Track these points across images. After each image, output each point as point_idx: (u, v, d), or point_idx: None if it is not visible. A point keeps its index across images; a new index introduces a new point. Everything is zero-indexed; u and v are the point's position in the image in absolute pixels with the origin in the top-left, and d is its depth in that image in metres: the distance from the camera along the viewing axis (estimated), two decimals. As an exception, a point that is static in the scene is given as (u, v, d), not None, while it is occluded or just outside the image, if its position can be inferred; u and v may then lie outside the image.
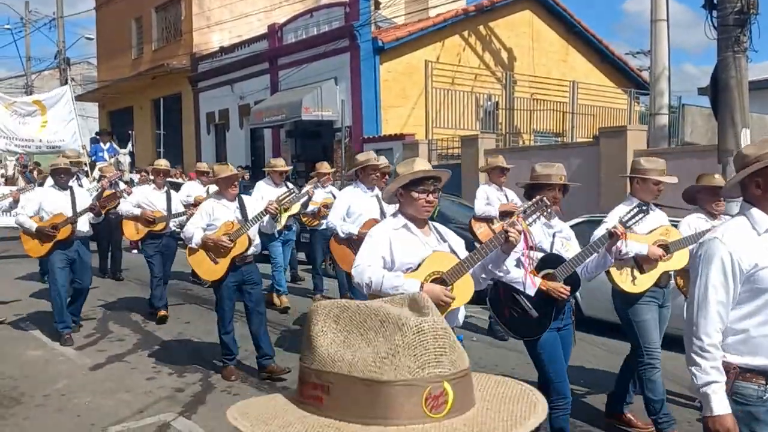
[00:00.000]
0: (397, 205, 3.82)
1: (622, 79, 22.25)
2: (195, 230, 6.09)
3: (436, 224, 3.84)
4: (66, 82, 23.42)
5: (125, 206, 8.45)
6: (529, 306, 4.16)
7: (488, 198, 7.79)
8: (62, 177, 7.55)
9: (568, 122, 18.85)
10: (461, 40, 19.19)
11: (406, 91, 18.41)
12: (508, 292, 4.21)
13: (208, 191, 9.64)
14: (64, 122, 14.13)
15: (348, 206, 6.55)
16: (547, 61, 20.59)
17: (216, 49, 23.79)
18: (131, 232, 8.55)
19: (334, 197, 8.75)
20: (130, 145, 14.75)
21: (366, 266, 3.51)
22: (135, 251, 13.38)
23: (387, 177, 6.70)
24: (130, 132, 22.54)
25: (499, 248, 3.51)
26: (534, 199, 3.84)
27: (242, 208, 6.19)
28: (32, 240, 7.47)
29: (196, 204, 9.05)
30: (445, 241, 3.72)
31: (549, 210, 3.93)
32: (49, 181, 8.71)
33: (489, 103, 18.59)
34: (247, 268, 6.15)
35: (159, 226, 8.31)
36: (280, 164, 9.33)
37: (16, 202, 8.39)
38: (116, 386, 5.93)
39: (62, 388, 5.91)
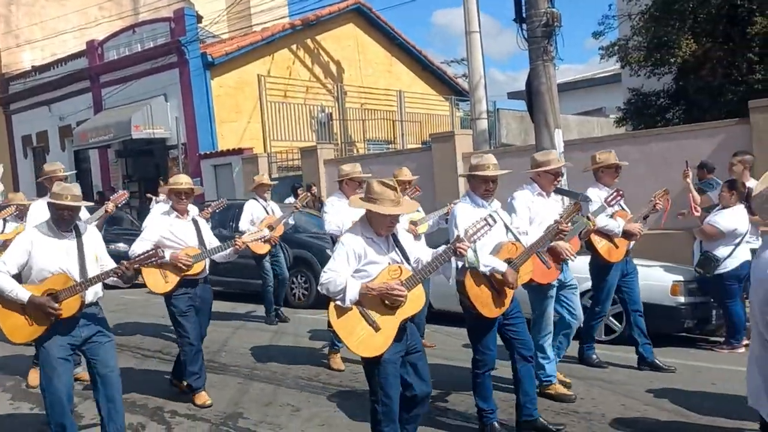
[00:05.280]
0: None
1: (442, 87, 23.67)
2: (343, 279, 3.99)
3: None
4: None
5: (140, 247, 5.64)
6: None
7: None
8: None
9: (398, 130, 19.83)
10: (290, 53, 19.57)
11: (239, 106, 18.48)
12: None
13: (268, 210, 9.06)
14: None
15: None
16: (374, 71, 21.49)
17: (28, 68, 22.44)
18: (157, 281, 5.91)
19: (417, 210, 6.87)
20: None
21: None
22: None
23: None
24: None
25: None
26: None
27: (398, 244, 4.23)
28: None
29: (271, 228, 8.29)
30: None
31: None
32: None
33: (322, 114, 19.12)
34: (410, 328, 4.23)
35: (195, 269, 5.96)
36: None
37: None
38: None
39: None
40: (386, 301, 4.01)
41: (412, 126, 20.17)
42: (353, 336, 3.99)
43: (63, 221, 4.56)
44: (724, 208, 6.92)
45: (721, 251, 6.85)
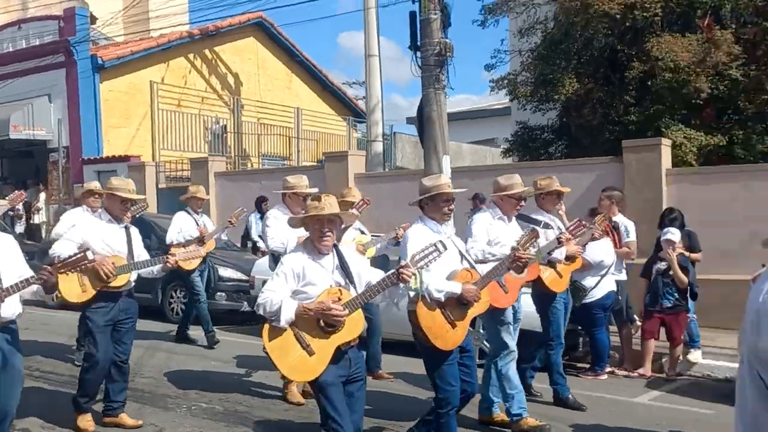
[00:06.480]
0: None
1: (341, 107, 23.76)
2: (279, 299, 3.81)
3: None
4: None
5: (64, 247, 5.12)
6: None
7: None
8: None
9: (294, 146, 19.76)
10: (187, 62, 19.13)
11: (129, 111, 17.87)
12: None
13: (199, 223, 8.32)
14: None
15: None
16: (273, 87, 21.33)
17: None
18: (71, 289, 5.18)
19: (363, 233, 6.98)
20: None
21: None
22: None
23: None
24: None
25: None
26: None
27: (343, 266, 4.02)
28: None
29: (201, 242, 7.83)
30: None
31: None
32: None
33: (217, 126, 18.78)
34: (355, 355, 4.02)
35: (120, 281, 5.31)
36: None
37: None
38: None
39: None
40: (323, 323, 3.79)
41: (308, 143, 20.15)
42: (286, 360, 3.81)
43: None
44: (591, 240, 7.25)
45: (588, 281, 7.17)
